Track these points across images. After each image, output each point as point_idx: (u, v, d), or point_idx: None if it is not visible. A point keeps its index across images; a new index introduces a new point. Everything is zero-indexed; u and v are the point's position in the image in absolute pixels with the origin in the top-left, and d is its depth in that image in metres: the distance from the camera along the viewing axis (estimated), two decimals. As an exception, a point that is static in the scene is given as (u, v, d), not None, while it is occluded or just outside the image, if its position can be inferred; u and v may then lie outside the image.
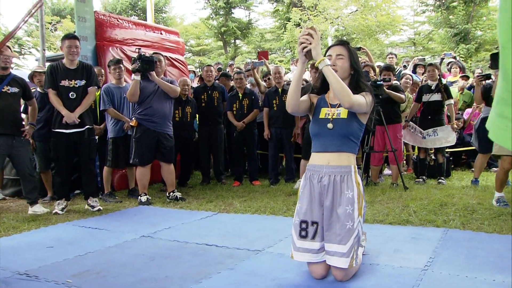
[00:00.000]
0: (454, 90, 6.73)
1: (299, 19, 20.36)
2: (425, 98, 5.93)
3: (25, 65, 23.55)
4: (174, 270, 2.64)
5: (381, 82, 5.41)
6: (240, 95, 6.28)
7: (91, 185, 4.72)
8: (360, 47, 7.19)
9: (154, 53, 5.36)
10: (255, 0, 28.03)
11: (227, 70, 9.20)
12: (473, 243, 3.01)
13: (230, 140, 6.44)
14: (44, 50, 6.17)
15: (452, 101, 5.93)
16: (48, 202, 5.28)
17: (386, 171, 6.85)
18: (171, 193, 5.12)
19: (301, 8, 20.59)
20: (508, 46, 0.72)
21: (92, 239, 3.51)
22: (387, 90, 5.49)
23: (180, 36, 7.55)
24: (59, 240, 3.46)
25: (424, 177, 6.04)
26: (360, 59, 8.29)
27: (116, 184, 5.77)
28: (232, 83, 6.88)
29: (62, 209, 4.60)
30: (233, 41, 28.79)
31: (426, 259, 2.68)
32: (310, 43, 2.11)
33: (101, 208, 4.70)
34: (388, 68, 5.81)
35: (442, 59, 8.61)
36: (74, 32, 5.71)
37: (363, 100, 2.20)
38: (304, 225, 2.21)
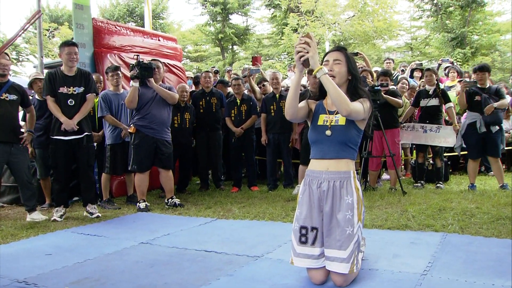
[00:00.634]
0: (452, 94, 6.80)
1: (297, 24, 20.63)
2: (423, 103, 5.97)
3: (22, 72, 23.58)
4: (173, 277, 2.63)
5: (379, 87, 5.46)
6: (238, 101, 6.31)
7: (89, 192, 4.70)
8: (357, 52, 7.27)
9: (152, 59, 5.39)
10: (252, 6, 28.20)
11: (225, 76, 9.21)
12: (472, 248, 3.02)
13: (228, 146, 6.46)
14: (42, 57, 6.18)
15: (451, 104, 5.98)
16: (47, 209, 5.28)
17: (385, 176, 6.86)
18: (170, 200, 5.12)
19: (298, 13, 20.82)
20: None
21: (90, 246, 3.50)
22: (384, 95, 5.54)
23: (178, 42, 7.58)
24: (58, 247, 3.44)
25: (423, 181, 6.07)
26: (357, 64, 8.45)
27: (114, 190, 5.77)
28: (229, 90, 6.92)
29: (61, 216, 4.58)
30: (230, 47, 28.88)
31: (425, 264, 2.68)
32: (307, 52, 2.12)
33: (100, 215, 4.68)
34: (386, 73, 5.87)
35: (439, 65, 8.69)
36: (72, 39, 5.73)
37: (360, 108, 2.23)
38: (304, 231, 2.22)
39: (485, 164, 7.03)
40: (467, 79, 6.45)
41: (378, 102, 5.38)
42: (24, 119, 4.95)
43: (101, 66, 5.87)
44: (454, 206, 4.37)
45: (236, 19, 28.97)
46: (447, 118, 6.46)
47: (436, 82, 5.94)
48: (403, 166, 7.31)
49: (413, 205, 4.49)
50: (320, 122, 2.33)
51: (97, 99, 5.19)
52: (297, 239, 2.23)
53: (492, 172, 6.33)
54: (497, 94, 5.41)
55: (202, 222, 4.25)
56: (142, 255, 3.20)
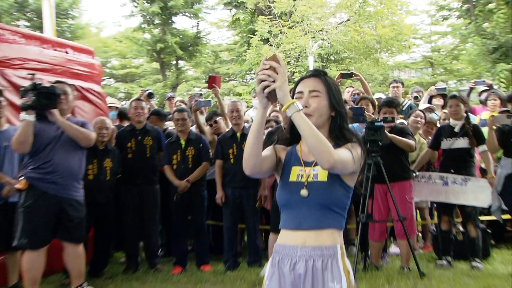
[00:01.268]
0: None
1: (268, 32, 20.55)
2: (446, 144, 6.08)
3: None
4: None
5: (381, 123, 5.53)
6: (183, 142, 6.34)
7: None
8: (352, 73, 7.46)
9: (56, 81, 5.32)
10: (205, 5, 28.04)
11: (165, 105, 9.27)
12: None
13: (168, 206, 6.42)
14: None
15: (485, 147, 6.04)
16: None
17: (393, 248, 6.88)
18: (78, 289, 4.93)
19: (270, 17, 20.69)
20: None
21: None
22: (389, 134, 5.60)
23: (97, 54, 7.58)
24: None
25: (450, 258, 6.07)
26: (351, 89, 8.80)
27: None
28: (169, 125, 6.98)
29: None
30: (174, 62, 28.49)
31: None
32: (274, 81, 2.13)
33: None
34: (390, 103, 5.95)
35: (472, 88, 8.80)
36: None
37: (348, 157, 2.25)
38: None
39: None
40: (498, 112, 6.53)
41: (380, 143, 5.46)
42: None
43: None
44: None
45: (182, 23, 29.05)
46: (483, 165, 6.57)
47: (465, 114, 6.02)
48: (420, 235, 7.32)
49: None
50: (292, 178, 2.35)
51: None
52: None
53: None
54: None
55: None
56: None
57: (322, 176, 2.28)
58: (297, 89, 2.37)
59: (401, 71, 28.05)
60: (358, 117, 5.62)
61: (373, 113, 6.13)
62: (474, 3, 20.43)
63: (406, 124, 6.42)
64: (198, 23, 28.70)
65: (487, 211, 6.47)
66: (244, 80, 26.76)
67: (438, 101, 8.08)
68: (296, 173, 2.34)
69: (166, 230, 6.84)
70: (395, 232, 5.97)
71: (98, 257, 6.08)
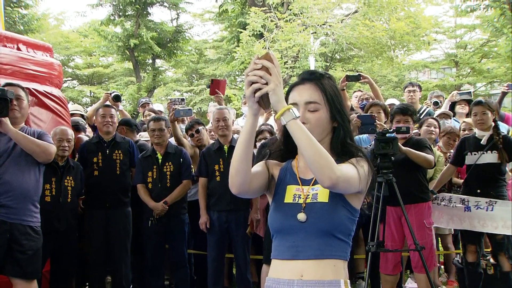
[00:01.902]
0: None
1: (262, 26, 20.35)
2: (471, 159, 6.13)
3: None
4: None
5: (394, 134, 5.52)
6: (160, 156, 6.42)
7: None
8: (360, 75, 7.58)
9: (6, 84, 5.33)
10: None
11: (138, 111, 9.28)
12: None
13: (142, 233, 6.47)
14: None
15: None
16: None
17: (409, 284, 6.89)
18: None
19: (264, 8, 20.50)
20: None
21: None
22: (403, 148, 5.61)
23: (57, 51, 7.54)
24: None
25: (479, 296, 6.03)
26: (359, 94, 8.83)
27: None
28: (140, 137, 7.07)
29: None
30: (150, 61, 28.32)
31: None
32: (266, 83, 2.15)
33: None
34: (405, 111, 5.98)
35: (505, 93, 8.85)
36: None
37: (353, 173, 2.27)
38: None
39: None
40: None
41: (393, 158, 5.45)
42: None
43: None
44: None
45: (159, 14, 28.91)
46: None
47: (493, 123, 6.07)
48: (442, 267, 7.35)
49: None
50: (288, 199, 2.39)
51: None
52: None
53: None
54: None
55: None
56: None
57: (323, 196, 2.32)
58: (290, 100, 2.39)
59: (419, 72, 27.91)
60: (367, 127, 5.73)
61: (385, 122, 6.21)
62: (507, -10, 20.23)
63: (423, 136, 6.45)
64: (178, 15, 28.28)
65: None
66: (233, 83, 26.48)
67: (462, 109, 8.16)
68: (292, 193, 2.38)
69: (139, 261, 6.81)
70: (412, 264, 5.98)
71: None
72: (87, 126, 7.92)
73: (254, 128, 2.29)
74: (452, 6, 24.69)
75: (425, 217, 5.80)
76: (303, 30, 19.69)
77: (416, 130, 6.45)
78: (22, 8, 25.40)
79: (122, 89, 25.83)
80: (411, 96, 8.48)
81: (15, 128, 4.96)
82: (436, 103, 8.81)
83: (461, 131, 7.13)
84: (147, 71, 27.87)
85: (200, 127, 7.07)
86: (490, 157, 6.02)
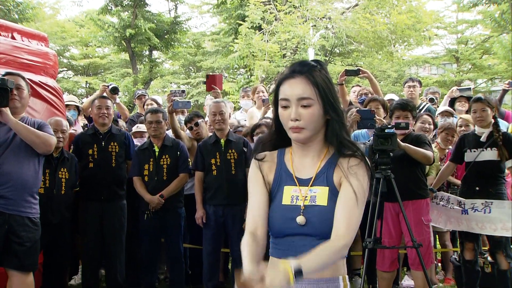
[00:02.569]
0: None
1: (261, 18, 18.89)
2: (470, 156, 5.74)
3: None
4: None
5: (393, 130, 5.13)
6: (157, 149, 6.05)
7: None
8: (359, 70, 7.24)
9: (7, 73, 4.99)
10: None
11: (135, 105, 8.46)
12: None
13: (137, 226, 6.08)
14: None
15: None
16: None
17: (406, 281, 6.61)
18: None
19: (264, 0, 18.89)
20: None
21: None
22: (402, 144, 5.20)
23: (52, 41, 6.78)
24: None
25: (475, 293, 5.98)
26: (358, 89, 8.51)
27: None
28: (137, 128, 7.00)
29: None
30: (146, 52, 26.27)
31: None
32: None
33: None
34: (405, 106, 5.56)
35: (505, 91, 8.46)
36: None
37: (356, 214, 2.18)
38: None
39: None
40: None
41: (392, 154, 5.09)
42: None
43: None
44: None
45: (157, 6, 27.32)
46: None
47: (493, 120, 5.67)
48: (439, 265, 7.21)
49: None
50: (286, 200, 2.26)
51: None
52: None
53: None
54: None
55: None
56: None
57: (322, 199, 2.22)
58: (281, 94, 2.23)
59: (419, 68, 27.23)
60: (366, 122, 5.49)
61: (384, 118, 5.89)
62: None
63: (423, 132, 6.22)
64: (176, 6, 26.06)
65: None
66: (232, 76, 25.47)
67: (462, 106, 7.61)
68: (290, 194, 2.27)
69: (134, 255, 6.35)
70: (409, 261, 5.58)
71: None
72: (82, 117, 7.72)
73: None
74: (455, 1, 23.74)
75: (423, 214, 5.42)
76: (303, 22, 18.41)
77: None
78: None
79: (118, 81, 24.40)
80: (411, 91, 8.06)
81: (15, 118, 4.65)
82: (431, 100, 8.32)
83: (458, 127, 6.78)
84: (144, 62, 25.91)
85: (200, 120, 6.67)
86: (489, 155, 5.65)
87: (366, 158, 2.25)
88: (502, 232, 5.55)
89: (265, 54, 18.17)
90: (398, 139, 5.16)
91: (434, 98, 8.42)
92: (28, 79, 5.80)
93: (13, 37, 6.43)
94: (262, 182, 2.32)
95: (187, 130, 6.95)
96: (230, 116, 6.56)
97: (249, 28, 18.53)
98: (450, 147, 6.50)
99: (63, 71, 28.65)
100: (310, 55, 18.15)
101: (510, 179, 6.11)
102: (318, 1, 18.78)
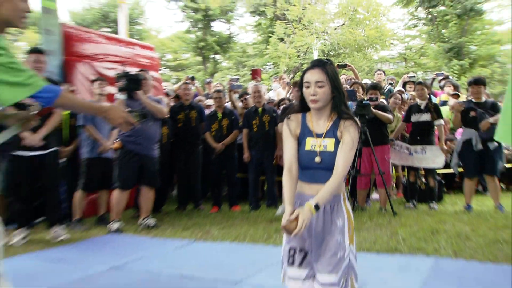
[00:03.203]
0: (445, 109, 7.39)
1: (283, 33, 22.23)
2: (414, 118, 6.40)
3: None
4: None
5: (368, 102, 5.86)
6: (219, 115, 6.68)
7: (55, 212, 5.01)
8: (346, 64, 8.01)
9: (140, 70, 5.78)
10: (235, 13, 30.15)
11: (205, 88, 9.42)
12: (465, 273, 3.26)
13: (208, 163, 6.70)
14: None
15: (442, 121, 6.38)
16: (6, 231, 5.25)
17: (374, 195, 7.20)
18: (144, 220, 5.46)
19: (285, 21, 22.46)
20: None
21: (53, 272, 3.60)
22: (374, 110, 5.96)
23: (156, 50, 7.84)
24: (17, 273, 3.23)
25: (415, 201, 6.42)
26: (345, 76, 9.38)
27: (84, 210, 5.87)
28: (207, 102, 7.41)
29: (24, 238, 4.73)
30: (212, 56, 30.49)
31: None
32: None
33: (67, 236, 4.92)
34: (375, 87, 6.31)
35: (434, 79, 9.28)
36: (39, 45, 6.04)
37: (350, 156, 2.27)
38: (292, 252, 2.34)
39: (482, 183, 7.49)
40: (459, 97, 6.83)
41: (367, 117, 5.80)
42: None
43: (71, 76, 6.24)
44: (448, 228, 4.73)
45: (218, 27, 30.03)
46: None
47: (428, 96, 6.37)
48: (394, 185, 7.63)
49: (403, 227, 4.87)
50: (307, 147, 2.37)
51: (68, 112, 5.42)
52: (286, 260, 2.37)
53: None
54: (494, 109, 5.80)
55: (178, 244, 4.54)
56: (111, 282, 3.31)
57: (330, 147, 2.32)
58: (305, 79, 2.35)
59: (383, 64, 28.54)
60: (351, 97, 5.85)
61: (362, 94, 6.38)
62: (436, 15, 22.97)
63: (387, 103, 6.79)
64: (230, 27, 30.42)
65: (444, 166, 6.64)
66: (265, 70, 27.29)
67: (410, 88, 8.34)
68: (310, 143, 2.35)
69: (207, 180, 6.98)
70: (376, 183, 6.38)
71: (157, 198, 6.19)
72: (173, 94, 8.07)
73: None
74: (404, 23, 26.77)
75: (386, 154, 6.13)
76: (310, 35, 21.61)
77: (382, 100, 6.69)
78: (137, 25, 28.57)
79: (194, 73, 26.80)
80: (379, 77, 8.80)
81: (144, 97, 5.31)
82: (391, 84, 9.15)
83: (409, 100, 7.44)
84: (210, 62, 29.86)
85: (248, 96, 7.23)
86: (426, 117, 6.27)
87: (357, 120, 2.32)
88: (431, 165, 6.22)
89: (286, 55, 21.70)
90: (371, 108, 5.81)
91: (392, 82, 9.19)
92: (143, 73, 6.81)
93: (134, 48, 7.40)
94: (291, 134, 2.37)
95: (240, 102, 7.32)
96: (265, 94, 7.03)
97: (276, 39, 22.28)
98: (403, 112, 6.85)
99: (162, 68, 30.00)
100: (315, 56, 20.15)
101: (437, 132, 6.41)
102: (320, 21, 21.67)
